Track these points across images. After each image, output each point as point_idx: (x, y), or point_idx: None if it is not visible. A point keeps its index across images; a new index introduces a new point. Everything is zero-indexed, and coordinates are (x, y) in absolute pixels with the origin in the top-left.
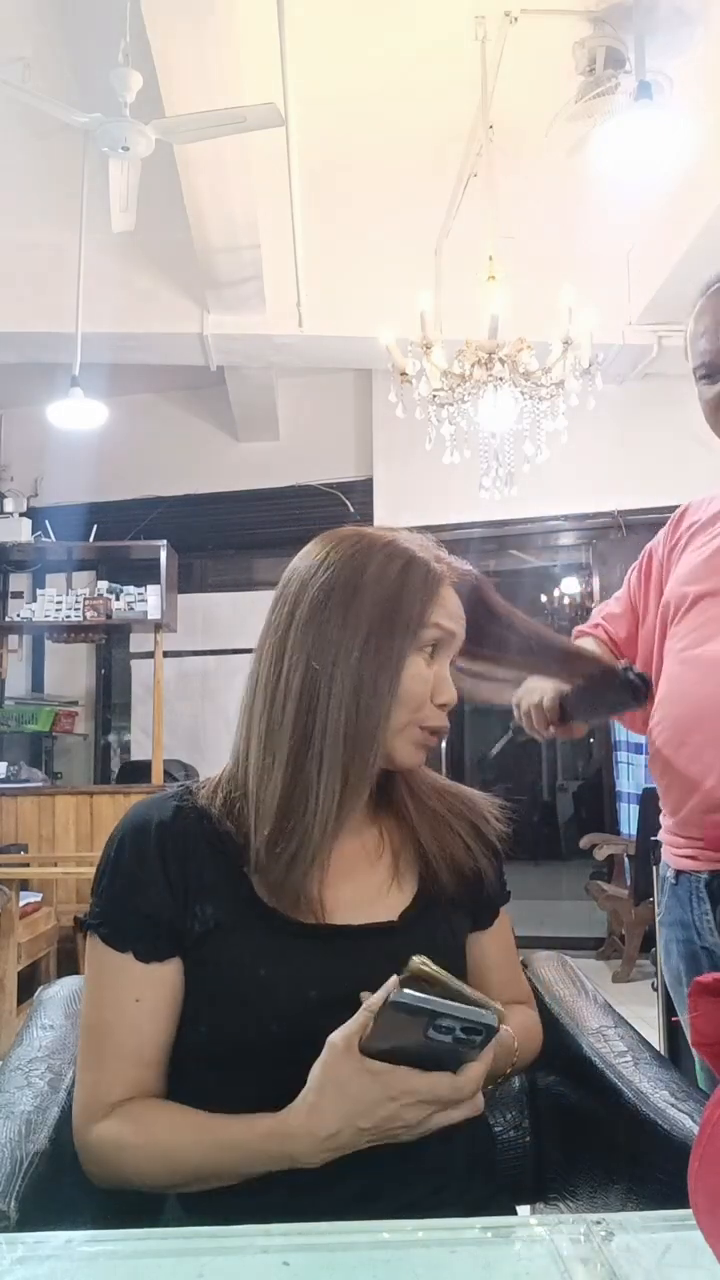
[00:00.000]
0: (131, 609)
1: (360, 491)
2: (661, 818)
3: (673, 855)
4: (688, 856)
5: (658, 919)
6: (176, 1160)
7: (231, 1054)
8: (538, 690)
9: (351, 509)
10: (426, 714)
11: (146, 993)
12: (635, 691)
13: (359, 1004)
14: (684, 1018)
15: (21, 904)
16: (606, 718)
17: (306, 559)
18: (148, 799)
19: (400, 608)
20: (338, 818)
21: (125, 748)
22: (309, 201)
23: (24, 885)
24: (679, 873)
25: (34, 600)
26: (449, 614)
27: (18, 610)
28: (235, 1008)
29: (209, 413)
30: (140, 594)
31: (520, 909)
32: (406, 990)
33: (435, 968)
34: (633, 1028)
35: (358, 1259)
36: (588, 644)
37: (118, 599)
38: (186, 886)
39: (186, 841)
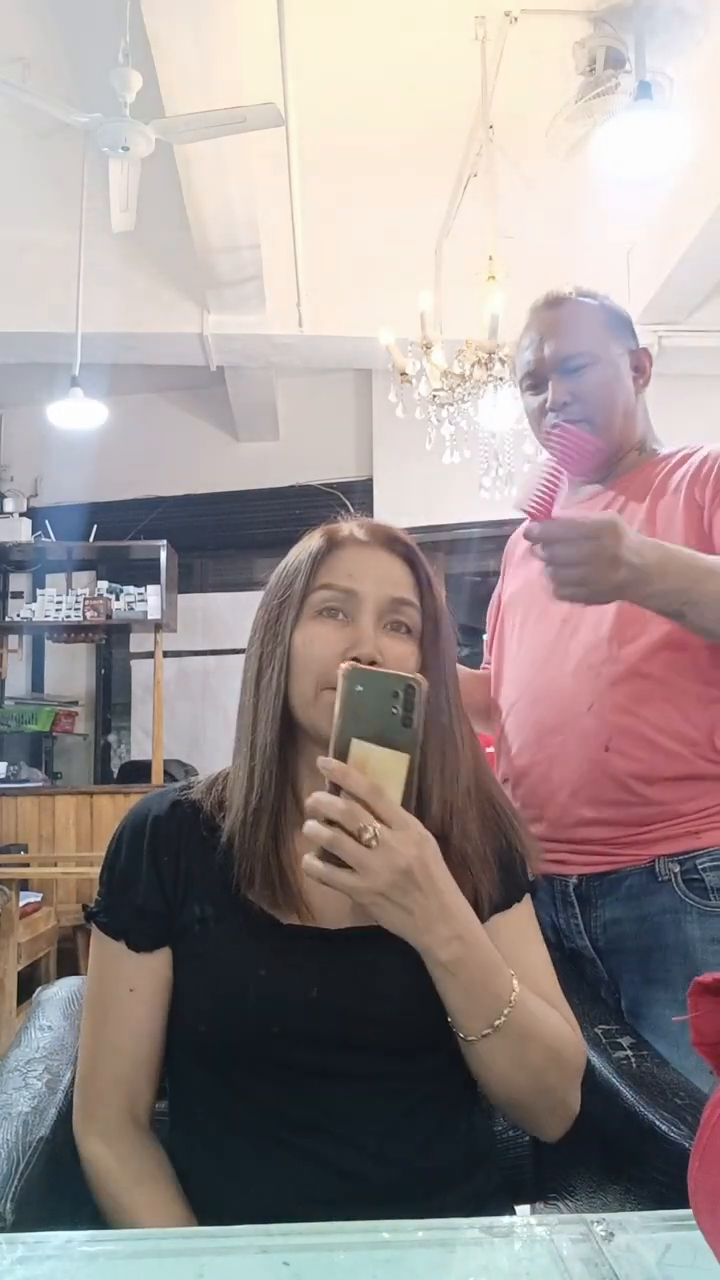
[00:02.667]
0: (131, 609)
1: (360, 491)
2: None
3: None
4: (555, 860)
5: None
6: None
7: (218, 1052)
8: None
9: (351, 509)
10: (331, 673)
11: (140, 982)
12: None
13: (343, 1008)
14: None
15: (21, 904)
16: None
17: None
18: (152, 793)
19: (291, 582)
20: (258, 795)
21: (125, 748)
22: (309, 201)
23: (24, 885)
24: (541, 875)
25: (34, 600)
26: (346, 572)
27: (18, 610)
28: (217, 1004)
29: (209, 413)
30: (140, 594)
31: None
32: (356, 668)
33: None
34: (633, 1028)
35: (358, 1259)
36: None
37: (118, 599)
38: (176, 880)
39: (180, 835)
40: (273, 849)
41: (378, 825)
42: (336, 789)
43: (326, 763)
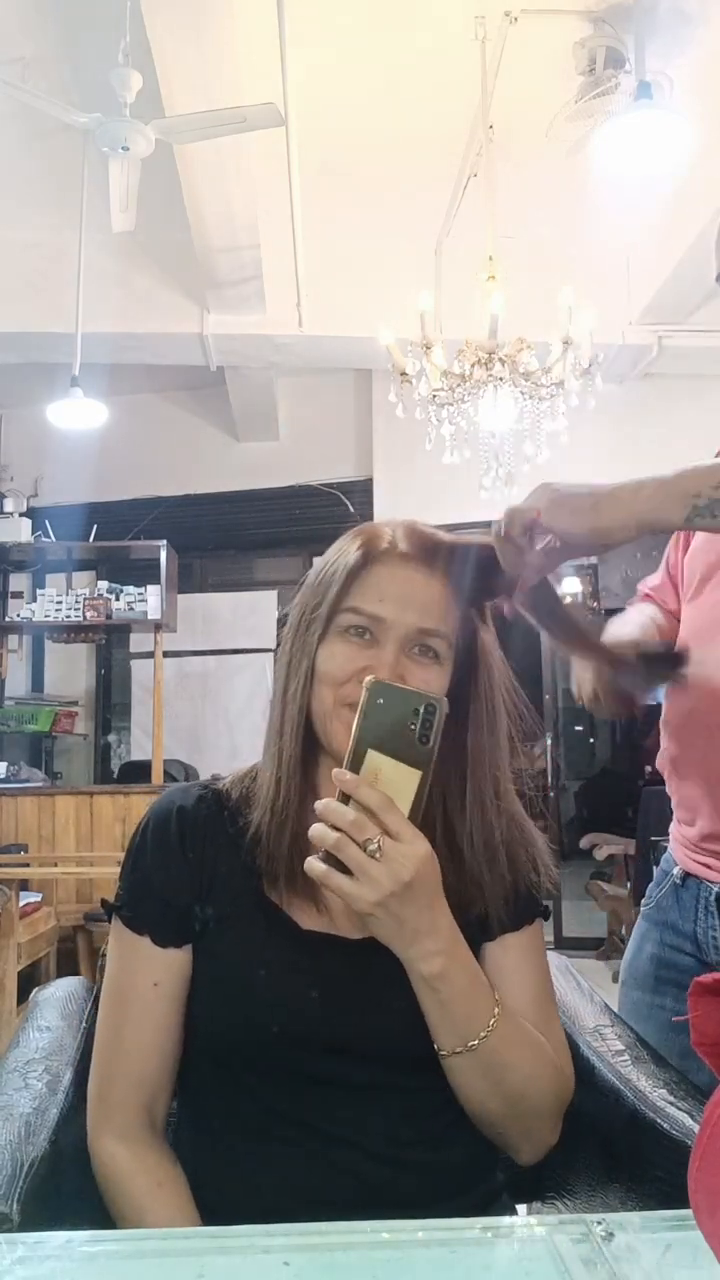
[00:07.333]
0: (131, 609)
1: (360, 491)
2: (675, 815)
3: (686, 856)
4: (702, 863)
5: (643, 909)
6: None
7: (224, 1050)
8: (586, 680)
9: (351, 509)
10: (348, 690)
11: (164, 977)
12: (659, 666)
13: (346, 1015)
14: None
15: (21, 904)
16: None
17: None
18: (175, 788)
19: (324, 593)
20: (283, 803)
21: (125, 748)
22: (309, 201)
23: (24, 885)
24: (687, 875)
25: (34, 600)
26: (377, 596)
27: (18, 610)
28: (222, 1001)
29: (209, 413)
30: (140, 594)
31: None
32: (379, 682)
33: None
34: (630, 1027)
35: (358, 1259)
36: (644, 613)
37: (118, 599)
38: (202, 873)
39: (206, 828)
40: (297, 853)
41: (383, 837)
42: (347, 798)
43: (340, 774)
